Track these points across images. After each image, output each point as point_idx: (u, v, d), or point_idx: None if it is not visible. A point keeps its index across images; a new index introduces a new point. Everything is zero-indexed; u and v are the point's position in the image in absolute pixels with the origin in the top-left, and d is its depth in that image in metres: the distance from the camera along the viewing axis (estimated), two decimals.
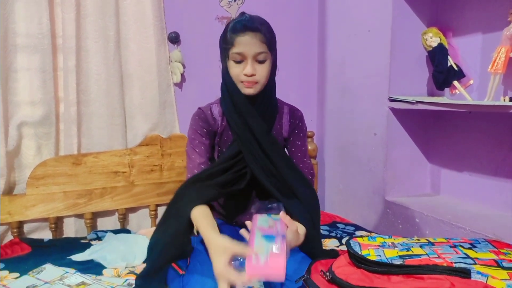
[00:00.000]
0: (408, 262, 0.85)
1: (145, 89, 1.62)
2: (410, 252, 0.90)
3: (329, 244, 1.36)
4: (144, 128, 1.63)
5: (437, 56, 1.43)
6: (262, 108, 1.09)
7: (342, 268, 0.89)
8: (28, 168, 1.49)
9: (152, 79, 1.62)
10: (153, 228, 1.53)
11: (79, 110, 1.52)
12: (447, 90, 1.49)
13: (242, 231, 0.92)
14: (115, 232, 1.52)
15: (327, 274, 0.88)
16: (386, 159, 1.54)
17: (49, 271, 1.17)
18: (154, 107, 1.63)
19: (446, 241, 0.99)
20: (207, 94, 1.29)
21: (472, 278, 0.78)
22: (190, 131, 1.15)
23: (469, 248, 0.92)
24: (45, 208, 1.48)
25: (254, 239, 0.83)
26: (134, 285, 1.06)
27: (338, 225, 1.60)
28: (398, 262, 0.86)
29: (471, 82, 1.41)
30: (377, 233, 1.45)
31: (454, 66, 1.41)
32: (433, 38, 1.43)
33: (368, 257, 0.89)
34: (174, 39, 1.67)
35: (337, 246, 1.35)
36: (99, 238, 1.48)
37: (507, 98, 1.19)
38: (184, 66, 1.69)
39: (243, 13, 1.07)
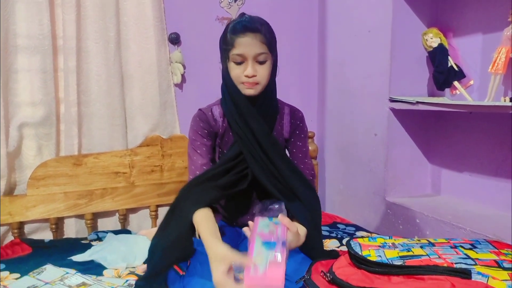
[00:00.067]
0: (409, 262, 0.85)
1: (146, 89, 1.62)
2: (410, 253, 0.90)
3: (330, 244, 1.36)
4: (144, 128, 1.63)
5: (437, 56, 1.43)
6: (263, 109, 1.09)
7: (343, 268, 0.89)
8: (29, 168, 1.49)
9: (152, 80, 1.62)
10: (154, 229, 1.53)
11: (79, 111, 1.53)
12: (447, 90, 1.49)
13: (245, 229, 0.93)
14: (116, 232, 1.52)
15: (328, 274, 0.88)
16: (386, 159, 1.54)
17: (50, 271, 1.17)
18: (154, 108, 1.63)
19: (446, 241, 0.99)
20: (208, 94, 1.29)
21: (472, 279, 0.78)
22: (191, 133, 1.14)
23: (470, 249, 0.92)
24: (46, 208, 1.48)
25: (254, 247, 0.83)
26: (134, 286, 1.06)
27: (339, 225, 1.60)
28: (398, 262, 0.86)
29: (471, 82, 1.41)
30: (378, 234, 1.45)
31: (455, 67, 1.41)
32: (434, 39, 1.43)
33: (368, 258, 0.89)
34: (175, 39, 1.67)
35: (338, 247, 1.34)
36: (99, 239, 1.48)
37: (507, 99, 1.19)
38: (184, 67, 1.69)
39: (243, 14, 1.07)
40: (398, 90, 1.50)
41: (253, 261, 0.79)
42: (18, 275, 1.17)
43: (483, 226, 1.22)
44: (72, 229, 1.57)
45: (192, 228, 1.01)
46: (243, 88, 1.05)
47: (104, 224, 1.63)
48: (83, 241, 1.47)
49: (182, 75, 1.69)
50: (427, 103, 1.34)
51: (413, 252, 0.90)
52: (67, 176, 1.51)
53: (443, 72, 1.42)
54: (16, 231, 1.46)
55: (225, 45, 1.04)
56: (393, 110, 1.51)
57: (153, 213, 1.65)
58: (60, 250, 1.36)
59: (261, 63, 1.03)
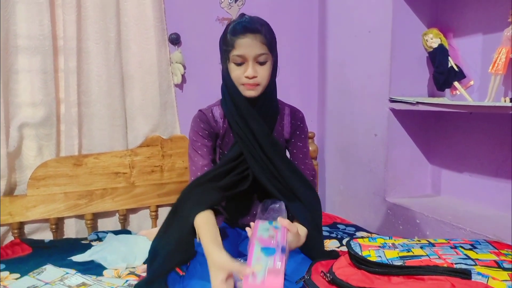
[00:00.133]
0: (409, 263, 0.85)
1: (146, 90, 1.62)
2: (410, 253, 0.90)
3: (330, 245, 1.36)
4: (144, 129, 1.63)
5: (437, 57, 1.43)
6: (263, 110, 1.08)
7: (343, 269, 0.89)
8: (29, 169, 1.49)
9: (152, 80, 1.62)
10: (154, 229, 1.54)
11: (80, 111, 1.53)
12: (447, 91, 1.49)
13: (248, 229, 0.94)
14: (116, 233, 1.52)
15: (328, 275, 0.88)
16: (386, 160, 1.54)
17: (50, 271, 1.17)
18: (154, 108, 1.63)
19: (446, 242, 0.99)
20: (208, 95, 1.29)
21: (472, 279, 0.78)
22: (192, 134, 1.14)
23: (470, 249, 0.92)
24: (46, 209, 1.49)
25: (253, 253, 0.83)
26: (134, 286, 1.06)
27: (339, 226, 1.60)
28: (398, 263, 0.86)
29: (471, 83, 1.41)
30: (378, 234, 1.45)
31: (455, 67, 1.41)
32: (434, 39, 1.43)
33: (368, 258, 0.89)
34: (175, 40, 1.67)
35: (338, 247, 1.35)
36: (99, 239, 1.48)
37: (507, 99, 1.19)
38: (184, 67, 1.69)
39: (242, 15, 1.06)
40: (398, 91, 1.50)
41: (251, 269, 0.79)
42: (18, 275, 1.17)
43: (483, 227, 1.22)
44: (72, 229, 1.57)
45: (193, 231, 1.01)
46: (244, 89, 1.04)
47: (104, 224, 1.63)
48: (83, 241, 1.47)
49: (183, 76, 1.69)
50: (427, 103, 1.34)
51: (413, 253, 0.90)
52: (67, 176, 1.51)
53: (443, 73, 1.42)
54: (16, 231, 1.46)
55: (225, 46, 1.03)
56: (393, 110, 1.51)
57: (153, 213, 1.65)
58: (60, 250, 1.36)
59: (262, 63, 1.02)
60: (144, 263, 1.26)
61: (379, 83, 1.54)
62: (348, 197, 1.80)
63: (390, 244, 0.98)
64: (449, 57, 1.42)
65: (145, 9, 1.58)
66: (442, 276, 0.79)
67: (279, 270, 0.79)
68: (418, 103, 1.37)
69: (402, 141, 1.55)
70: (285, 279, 0.88)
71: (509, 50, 1.19)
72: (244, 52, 1.00)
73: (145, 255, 1.29)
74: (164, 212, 1.69)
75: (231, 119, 1.09)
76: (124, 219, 1.63)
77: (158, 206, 1.66)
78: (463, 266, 0.81)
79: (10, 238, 1.49)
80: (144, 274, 1.14)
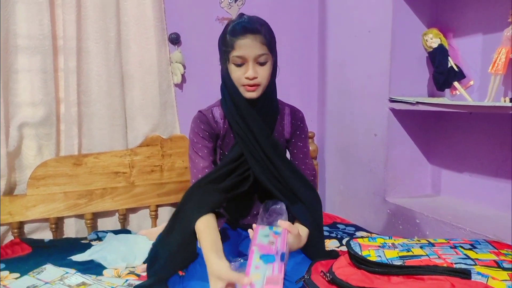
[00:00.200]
0: (409, 262, 0.85)
1: (146, 90, 1.62)
2: (410, 253, 0.90)
3: (330, 244, 1.36)
4: (144, 128, 1.63)
5: (437, 57, 1.43)
6: (264, 110, 1.08)
7: (343, 268, 0.89)
8: (29, 168, 1.49)
9: (152, 80, 1.62)
10: (154, 229, 1.54)
11: (79, 111, 1.53)
12: (447, 91, 1.49)
13: (250, 231, 0.94)
14: (116, 232, 1.52)
15: (328, 274, 0.88)
16: (386, 160, 1.54)
17: (50, 271, 1.17)
18: (154, 108, 1.63)
19: (446, 241, 0.99)
20: (208, 94, 1.29)
21: (472, 279, 0.78)
22: (192, 135, 1.13)
23: (470, 249, 0.92)
24: (46, 208, 1.49)
25: (252, 260, 0.83)
26: (134, 286, 1.06)
27: (339, 225, 1.60)
28: (398, 262, 0.86)
29: (471, 83, 1.41)
30: (378, 234, 1.45)
31: (455, 67, 1.41)
32: (434, 39, 1.43)
33: (368, 258, 0.89)
34: (175, 40, 1.67)
35: (338, 247, 1.35)
36: (99, 239, 1.48)
37: (507, 99, 1.19)
38: (184, 67, 1.69)
39: (242, 15, 1.05)
40: (398, 91, 1.50)
41: (249, 279, 0.79)
42: (18, 274, 1.17)
43: (483, 227, 1.22)
44: (72, 229, 1.57)
45: (195, 235, 1.01)
46: (244, 90, 1.04)
47: (104, 224, 1.63)
48: (83, 241, 1.47)
49: (182, 75, 1.69)
50: (427, 103, 1.34)
51: (412, 252, 0.90)
52: (67, 176, 1.51)
53: (443, 73, 1.42)
54: (16, 230, 1.46)
55: (225, 47, 1.03)
56: (393, 110, 1.51)
57: (153, 213, 1.65)
58: (60, 250, 1.36)
59: (262, 64, 1.02)
60: (144, 262, 1.26)
61: (379, 83, 1.54)
62: (348, 197, 1.80)
63: (390, 244, 0.98)
64: (449, 57, 1.42)
65: (145, 9, 1.58)
66: (442, 276, 0.79)
67: (277, 278, 0.79)
68: (418, 103, 1.37)
69: (402, 141, 1.55)
70: (285, 278, 0.88)
71: (509, 50, 1.19)
72: (244, 53, 1.00)
73: (145, 254, 1.30)
74: (163, 212, 1.69)
75: (232, 119, 1.08)
76: (124, 219, 1.63)
77: (158, 206, 1.66)
78: (463, 266, 0.81)
79: (10, 237, 1.48)
80: (144, 274, 1.14)
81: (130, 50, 1.59)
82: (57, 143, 1.53)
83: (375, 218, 1.63)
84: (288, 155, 1.20)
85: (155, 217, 1.66)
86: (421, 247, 0.94)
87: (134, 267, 1.24)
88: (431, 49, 1.45)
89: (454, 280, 0.77)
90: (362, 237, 1.22)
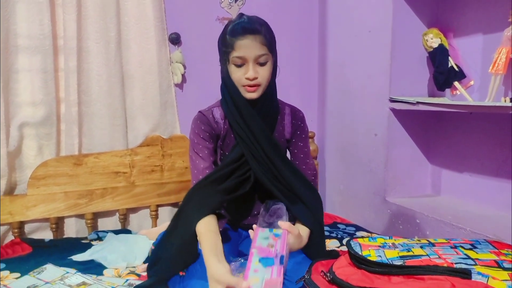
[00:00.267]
0: (409, 262, 0.85)
1: (146, 89, 1.62)
2: (410, 253, 0.90)
3: (330, 244, 1.36)
4: (145, 128, 1.63)
5: (437, 57, 1.43)
6: (264, 111, 1.08)
7: (343, 268, 0.89)
8: (29, 168, 1.49)
9: (153, 80, 1.62)
10: (154, 229, 1.54)
11: (80, 111, 1.53)
12: (447, 90, 1.49)
13: (251, 231, 0.94)
14: (116, 232, 1.52)
15: (328, 274, 0.88)
16: (386, 159, 1.54)
17: (50, 271, 1.17)
18: (155, 108, 1.63)
19: (446, 241, 0.99)
20: (208, 94, 1.29)
21: (472, 279, 0.78)
22: (193, 135, 1.13)
23: (470, 249, 0.92)
24: (46, 208, 1.49)
25: (251, 263, 0.83)
26: (134, 286, 1.06)
27: (339, 225, 1.60)
28: (398, 262, 0.86)
29: (471, 83, 1.41)
30: (378, 234, 1.45)
31: (455, 67, 1.41)
32: (434, 39, 1.43)
33: (368, 258, 0.89)
34: (175, 40, 1.67)
35: (338, 247, 1.35)
36: (100, 238, 1.48)
37: (507, 99, 1.19)
38: (184, 67, 1.69)
39: (241, 15, 1.05)
40: (398, 91, 1.50)
41: (248, 283, 0.79)
42: (18, 274, 1.17)
43: (483, 227, 1.22)
44: (73, 229, 1.57)
45: (196, 236, 1.01)
46: (244, 91, 1.04)
47: (104, 223, 1.64)
48: (83, 241, 1.47)
49: (183, 75, 1.69)
50: (427, 103, 1.34)
51: (413, 252, 0.90)
52: (68, 175, 1.51)
53: (443, 73, 1.42)
54: (16, 230, 1.46)
55: (225, 47, 1.02)
56: (394, 110, 1.51)
57: (153, 213, 1.65)
58: (60, 250, 1.36)
59: (262, 64, 1.02)
60: (144, 262, 1.26)
61: (379, 83, 1.54)
62: (348, 197, 1.80)
63: (390, 244, 0.98)
64: (449, 57, 1.42)
65: (146, 9, 1.58)
66: (442, 275, 0.79)
67: (276, 282, 0.79)
68: (418, 103, 1.37)
69: (402, 141, 1.55)
70: (285, 278, 0.88)
71: (509, 50, 1.19)
72: (244, 53, 0.99)
73: (145, 254, 1.30)
74: (164, 212, 1.69)
75: (232, 119, 1.08)
76: (124, 219, 1.63)
77: (158, 206, 1.66)
78: (463, 266, 0.81)
79: (10, 237, 1.49)
80: (144, 274, 1.14)
81: (130, 50, 1.59)
82: (57, 143, 1.53)
83: (375, 218, 1.63)
84: (288, 155, 1.20)
85: (155, 217, 1.66)
86: (421, 247, 0.94)
87: (134, 267, 1.24)
88: (432, 49, 1.45)
89: (455, 280, 0.77)
90: (362, 237, 1.22)
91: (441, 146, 1.56)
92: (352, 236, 1.47)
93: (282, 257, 0.85)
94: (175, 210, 1.67)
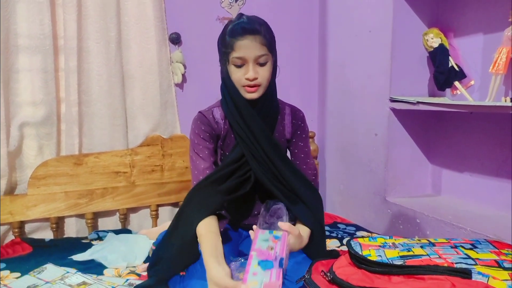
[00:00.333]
0: (409, 262, 0.85)
1: (146, 89, 1.62)
2: (411, 253, 0.90)
3: (330, 244, 1.36)
4: (145, 128, 1.63)
5: (438, 56, 1.43)
6: (264, 111, 1.08)
7: (343, 268, 0.89)
8: (30, 168, 1.49)
9: (153, 80, 1.62)
10: (154, 228, 1.54)
11: (80, 111, 1.53)
12: (448, 90, 1.49)
13: (251, 232, 0.94)
14: (116, 232, 1.52)
15: (328, 274, 0.88)
16: (387, 159, 1.54)
17: (50, 271, 1.17)
18: (155, 108, 1.63)
19: (447, 241, 0.99)
20: (208, 94, 1.29)
21: (473, 279, 0.78)
22: (193, 136, 1.13)
23: (470, 249, 0.92)
24: (46, 208, 1.49)
25: (250, 268, 0.83)
26: (135, 286, 1.06)
27: (339, 225, 1.60)
28: (399, 262, 0.86)
29: (472, 82, 1.41)
30: (378, 234, 1.45)
31: (455, 67, 1.41)
32: (434, 39, 1.43)
33: (369, 258, 0.89)
34: (175, 39, 1.67)
35: (338, 247, 1.35)
36: (100, 238, 1.48)
37: (508, 99, 1.18)
38: (185, 67, 1.69)
39: (241, 15, 1.05)
40: (398, 90, 1.50)
41: (246, 286, 0.79)
42: (18, 274, 1.17)
43: (483, 226, 1.22)
44: (73, 229, 1.57)
45: (196, 237, 1.01)
46: (244, 92, 1.03)
47: (104, 223, 1.64)
48: (83, 241, 1.47)
49: (183, 75, 1.69)
50: (427, 103, 1.34)
51: (413, 252, 0.90)
52: (68, 175, 1.51)
53: (443, 72, 1.42)
54: (16, 230, 1.46)
55: (224, 48, 1.02)
56: (394, 110, 1.51)
57: (153, 212, 1.65)
58: (61, 250, 1.36)
59: (262, 64, 1.02)
60: (144, 262, 1.26)
61: (379, 82, 1.54)
62: (348, 197, 1.80)
63: (391, 244, 0.97)
64: (449, 57, 1.42)
65: (146, 9, 1.58)
66: (442, 275, 0.79)
67: (275, 285, 0.79)
68: (418, 102, 1.37)
69: (403, 141, 1.55)
70: (285, 278, 0.88)
71: (510, 50, 1.19)
72: (244, 54, 0.99)
73: (145, 254, 1.30)
74: (164, 212, 1.69)
75: (232, 119, 1.08)
76: (125, 218, 1.63)
77: (158, 206, 1.66)
78: (464, 266, 0.81)
79: (10, 237, 1.49)
80: (145, 273, 1.14)
81: (130, 50, 1.59)
82: (57, 142, 1.53)
83: (375, 218, 1.63)
84: (288, 155, 1.20)
85: (155, 217, 1.66)
86: (421, 247, 0.94)
87: (134, 266, 1.24)
88: (432, 49, 1.45)
89: (455, 280, 0.77)
90: (362, 236, 1.21)
91: (441, 146, 1.56)
92: (352, 236, 1.47)
93: (281, 260, 0.85)
94: (175, 210, 1.69)
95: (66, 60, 1.49)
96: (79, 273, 1.15)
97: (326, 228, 1.53)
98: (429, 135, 1.59)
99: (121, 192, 1.59)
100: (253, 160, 1.07)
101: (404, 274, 0.83)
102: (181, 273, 1.04)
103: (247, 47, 0.99)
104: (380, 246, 0.96)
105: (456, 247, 0.94)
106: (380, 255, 0.89)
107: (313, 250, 1.04)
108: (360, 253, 0.91)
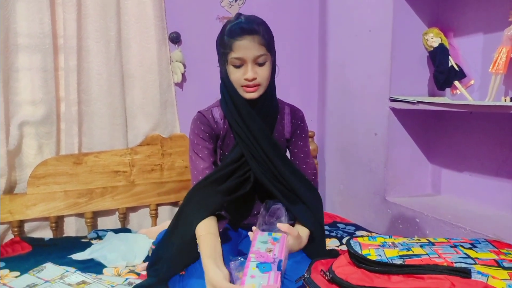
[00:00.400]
0: (409, 261, 0.85)
1: (146, 89, 1.62)
2: (410, 252, 0.90)
3: (330, 244, 1.36)
4: (145, 127, 1.63)
5: (438, 56, 1.43)
6: (264, 110, 1.08)
7: (343, 267, 0.89)
8: (29, 167, 1.49)
9: (153, 79, 1.62)
10: (154, 228, 1.54)
11: (80, 110, 1.53)
12: (448, 90, 1.49)
13: (250, 233, 0.95)
14: (116, 231, 1.52)
15: (327, 273, 0.88)
16: (386, 159, 1.54)
17: (50, 270, 1.17)
18: (155, 107, 1.63)
19: (446, 241, 0.99)
20: (208, 94, 1.29)
21: (472, 278, 0.78)
22: (192, 136, 1.12)
23: (470, 248, 0.92)
24: (46, 207, 1.49)
25: (248, 270, 0.83)
26: (134, 285, 1.06)
27: (339, 225, 1.60)
28: (398, 261, 0.86)
29: (472, 82, 1.41)
30: (378, 233, 1.45)
31: (455, 66, 1.41)
32: (434, 39, 1.43)
33: (368, 257, 0.89)
34: (175, 39, 1.67)
35: (338, 246, 1.35)
36: (99, 237, 1.48)
37: (508, 99, 1.18)
38: (185, 66, 1.69)
39: (239, 15, 1.04)
40: (398, 90, 1.50)
41: None
42: (18, 273, 1.16)
43: (483, 226, 1.22)
44: (72, 228, 1.57)
45: (196, 237, 1.01)
46: (243, 92, 1.03)
47: (104, 222, 1.64)
48: (83, 240, 1.47)
49: (183, 74, 1.69)
50: (427, 102, 1.34)
51: (413, 251, 0.90)
52: (67, 174, 1.51)
53: (443, 72, 1.42)
54: (16, 229, 1.46)
55: (223, 48, 1.02)
56: (394, 109, 1.51)
57: (153, 212, 1.65)
58: (60, 249, 1.36)
59: (261, 64, 1.01)
60: (144, 261, 1.26)
61: (379, 82, 1.54)
62: (348, 197, 1.80)
63: (390, 243, 0.97)
64: (449, 57, 1.42)
65: (146, 8, 1.58)
66: (441, 275, 0.79)
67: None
68: (418, 102, 1.37)
69: (402, 140, 1.55)
70: (284, 277, 0.88)
71: (510, 50, 1.19)
72: (242, 54, 0.99)
73: (144, 253, 1.30)
74: (164, 211, 1.69)
75: (231, 119, 1.08)
76: (124, 218, 1.63)
77: (158, 205, 1.66)
78: (463, 265, 0.81)
79: (10, 236, 1.49)
80: (144, 273, 1.14)
81: (130, 49, 1.59)
82: (57, 142, 1.53)
83: (375, 217, 1.63)
84: (288, 154, 1.20)
85: (155, 216, 1.66)
86: (421, 246, 0.94)
87: (134, 265, 1.24)
88: (432, 49, 1.45)
89: (454, 279, 0.77)
90: (362, 236, 1.21)
91: (441, 146, 1.56)
92: (352, 235, 1.47)
93: (280, 262, 0.85)
94: (175, 209, 1.69)
95: (66, 59, 1.49)
96: (79, 272, 1.15)
97: (326, 227, 1.53)
98: (429, 134, 1.59)
99: (120, 191, 1.59)
100: (252, 160, 1.07)
101: (404, 274, 0.82)
102: (180, 273, 1.04)
103: (246, 47, 0.98)
104: (379, 245, 0.96)
105: (455, 246, 0.94)
106: (379, 255, 0.89)
107: (313, 250, 1.04)
108: (360, 252, 0.91)
